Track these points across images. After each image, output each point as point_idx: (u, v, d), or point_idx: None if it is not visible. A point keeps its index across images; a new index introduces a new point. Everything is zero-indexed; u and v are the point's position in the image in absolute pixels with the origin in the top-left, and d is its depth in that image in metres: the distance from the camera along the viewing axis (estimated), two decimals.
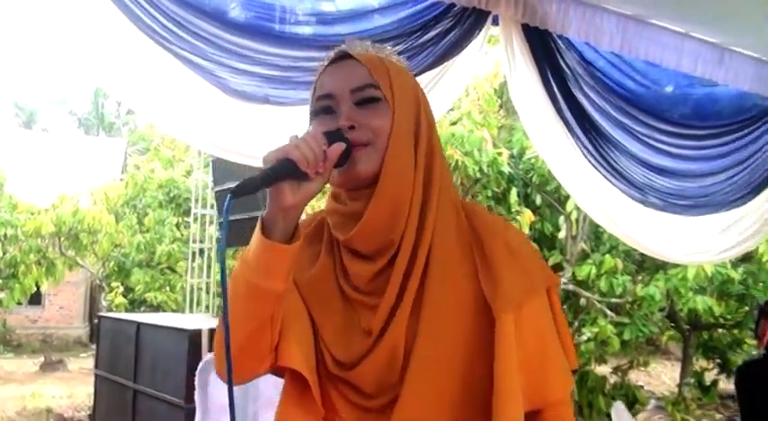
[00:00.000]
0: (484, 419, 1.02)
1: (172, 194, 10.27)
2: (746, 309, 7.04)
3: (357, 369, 1.08)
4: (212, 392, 3.00)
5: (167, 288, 10.28)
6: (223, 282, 1.00)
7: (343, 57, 1.15)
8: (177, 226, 10.38)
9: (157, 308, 9.90)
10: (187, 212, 10.11)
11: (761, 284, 6.59)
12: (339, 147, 1.05)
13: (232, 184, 4.54)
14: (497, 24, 3.72)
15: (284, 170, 1.01)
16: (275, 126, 3.41)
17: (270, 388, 3.13)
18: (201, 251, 7.71)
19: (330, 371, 1.11)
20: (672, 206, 4.23)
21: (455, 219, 1.12)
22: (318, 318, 1.14)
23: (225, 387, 3.03)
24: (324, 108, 1.13)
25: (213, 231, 7.73)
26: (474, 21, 3.60)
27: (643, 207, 4.09)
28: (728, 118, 4.57)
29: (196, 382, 3.02)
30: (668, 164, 4.25)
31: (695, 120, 4.37)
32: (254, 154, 3.49)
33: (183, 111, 3.24)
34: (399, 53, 3.40)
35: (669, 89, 4.42)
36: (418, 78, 3.46)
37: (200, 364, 3.09)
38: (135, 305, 10.80)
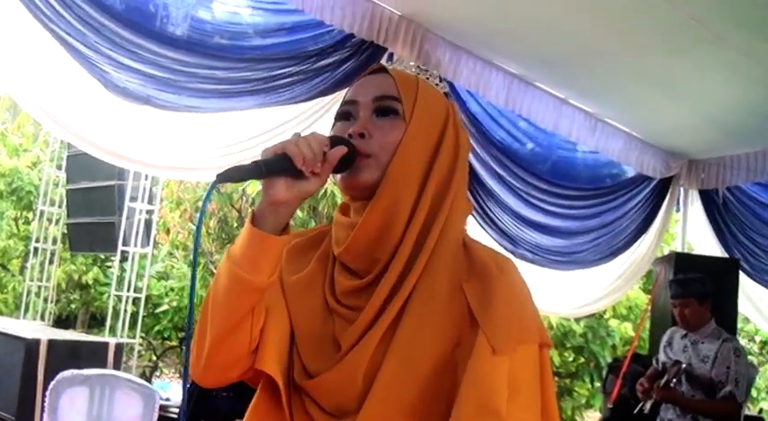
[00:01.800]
0: None
1: (14, 186, 9.42)
2: (582, 361, 7.46)
3: (319, 380, 1.03)
4: (63, 415, 2.73)
5: None
6: (193, 278, 0.98)
7: (378, 70, 1.14)
8: (16, 220, 9.56)
9: None
10: (28, 207, 9.34)
11: (599, 339, 7.02)
12: (339, 150, 1.01)
13: (87, 184, 4.29)
14: (392, 61, 3.77)
15: (278, 164, 0.97)
16: (148, 127, 3.24)
17: (122, 413, 2.90)
18: (38, 250, 7.13)
19: (296, 380, 1.06)
20: (540, 259, 4.42)
21: (454, 254, 1.08)
22: (297, 324, 1.09)
23: (76, 409, 2.75)
24: (344, 113, 1.12)
25: (57, 231, 7.20)
26: (370, 55, 3.62)
27: (513, 257, 4.23)
28: (584, 183, 4.87)
29: (46, 403, 2.74)
30: (539, 219, 4.44)
31: (553, 178, 4.61)
32: (124, 154, 3.29)
33: (51, 95, 3.00)
34: (295, 74, 3.38)
35: (530, 146, 4.64)
36: (311, 102, 3.47)
37: (52, 383, 2.80)
38: None
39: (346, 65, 3.52)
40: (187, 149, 3.38)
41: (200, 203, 8.01)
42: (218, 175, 0.96)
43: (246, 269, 0.99)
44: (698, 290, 3.58)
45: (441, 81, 1.10)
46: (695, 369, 3.52)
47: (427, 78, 1.20)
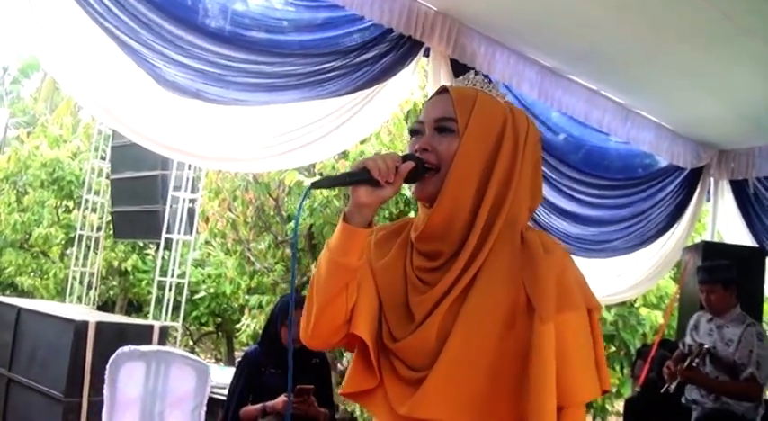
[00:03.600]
0: (508, 412, 1.20)
1: (55, 175, 9.63)
2: (613, 349, 7.50)
3: (401, 344, 1.29)
4: (121, 387, 2.93)
5: (39, 273, 9.71)
6: (293, 265, 1.34)
7: (443, 91, 1.37)
8: (56, 209, 9.84)
9: (26, 293, 9.33)
10: (68, 196, 9.60)
11: (629, 328, 7.06)
12: (408, 165, 1.28)
13: (131, 174, 4.45)
14: (428, 56, 3.88)
15: (360, 175, 1.25)
16: (196, 119, 3.38)
17: (177, 387, 3.08)
18: (81, 237, 7.38)
19: (385, 342, 1.32)
20: (571, 247, 4.50)
21: (513, 243, 1.30)
22: (384, 297, 1.35)
23: (133, 381, 2.94)
24: (416, 130, 1.37)
25: (97, 219, 7.44)
26: (408, 49, 3.74)
27: None
28: (616, 172, 4.94)
29: (106, 375, 2.94)
30: (571, 208, 4.53)
31: (585, 168, 4.69)
32: (167, 143, 3.43)
33: (102, 87, 3.16)
34: (337, 68, 3.51)
35: (562, 136, 4.72)
36: (352, 95, 3.60)
37: (112, 358, 3.00)
38: (2, 288, 10.11)
39: (385, 59, 3.64)
40: (232, 141, 3.53)
41: (237, 192, 8.20)
42: (312, 183, 1.27)
43: (340, 254, 1.27)
44: (723, 276, 3.70)
45: (499, 91, 1.34)
46: (719, 351, 3.63)
47: (489, 90, 1.41)
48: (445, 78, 3.88)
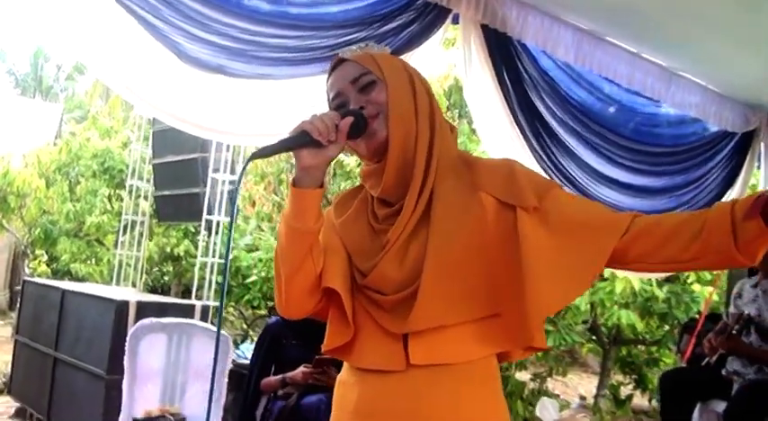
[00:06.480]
0: (508, 308, 1.26)
1: (106, 165, 9.87)
2: (667, 328, 7.26)
3: (374, 272, 1.32)
4: (141, 359, 2.97)
5: (93, 260, 9.98)
6: (229, 238, 1.47)
7: (339, 62, 1.42)
8: (109, 198, 10.07)
9: (81, 280, 9.59)
10: (120, 185, 9.82)
11: (683, 305, 6.82)
12: (348, 120, 1.28)
13: (172, 158, 4.50)
14: (457, 23, 3.77)
15: (299, 139, 1.23)
16: (228, 98, 3.37)
17: (199, 359, 3.09)
18: (132, 224, 7.53)
19: (358, 282, 1.36)
20: None
21: (454, 165, 1.38)
22: (349, 245, 1.39)
23: (154, 354, 2.97)
24: (339, 104, 1.38)
25: (146, 206, 7.56)
26: (435, 17, 3.62)
27: None
28: (668, 141, 4.73)
29: (126, 347, 2.98)
30: (621, 176, 4.34)
31: (637, 137, 4.50)
32: (202, 123, 3.44)
33: (134, 73, 3.17)
34: (361, 40, 3.44)
35: (612, 109, 4.54)
36: None
37: (131, 330, 3.04)
38: (59, 275, 10.37)
39: (411, 28, 3.54)
40: (261, 117, 3.50)
41: (283, 176, 8.23)
42: (252, 154, 1.28)
43: (296, 220, 1.28)
44: None
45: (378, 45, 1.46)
46: (765, 319, 3.46)
47: (367, 45, 1.46)
48: (476, 45, 3.76)
